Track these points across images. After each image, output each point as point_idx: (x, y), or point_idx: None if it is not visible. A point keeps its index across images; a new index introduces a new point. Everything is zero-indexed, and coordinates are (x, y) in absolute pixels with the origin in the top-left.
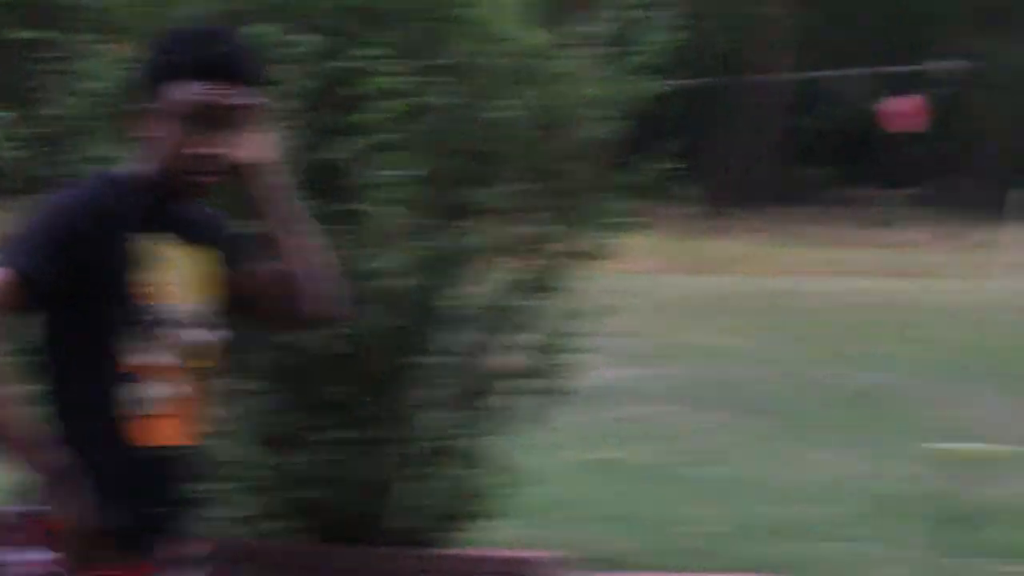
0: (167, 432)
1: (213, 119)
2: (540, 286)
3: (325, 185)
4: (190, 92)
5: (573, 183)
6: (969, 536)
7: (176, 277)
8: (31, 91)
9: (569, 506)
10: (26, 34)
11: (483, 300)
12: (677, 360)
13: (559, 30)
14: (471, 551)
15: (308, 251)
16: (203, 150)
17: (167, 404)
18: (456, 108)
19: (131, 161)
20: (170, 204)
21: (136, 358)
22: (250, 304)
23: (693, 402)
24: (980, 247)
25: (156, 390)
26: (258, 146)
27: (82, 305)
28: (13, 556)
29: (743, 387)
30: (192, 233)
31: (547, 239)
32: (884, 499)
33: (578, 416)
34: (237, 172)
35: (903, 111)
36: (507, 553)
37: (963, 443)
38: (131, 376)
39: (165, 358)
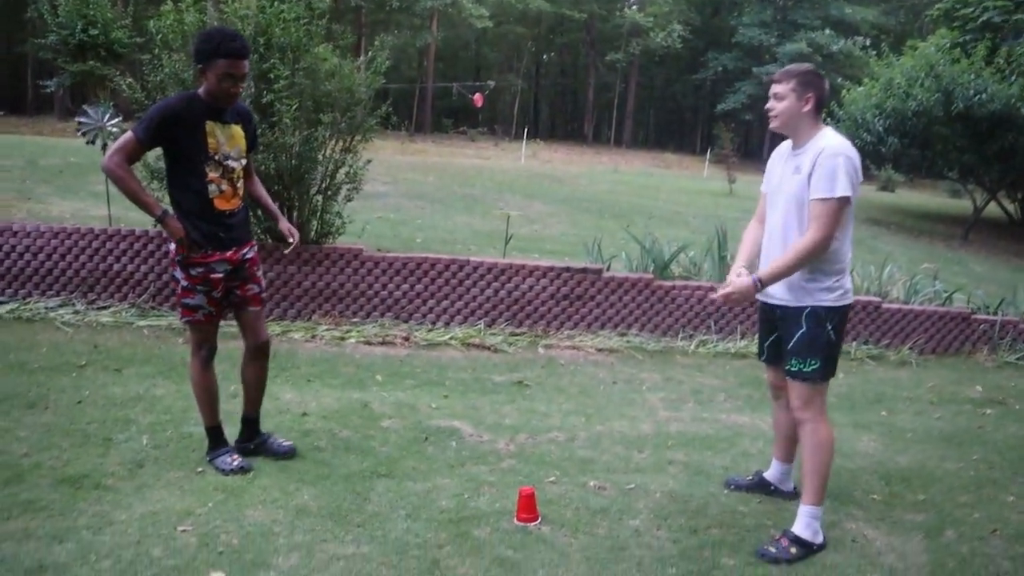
0: (228, 203)
1: (232, 75)
2: (345, 150)
3: (262, 110)
4: (221, 65)
5: (355, 115)
6: None
7: (224, 137)
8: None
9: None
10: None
11: (324, 154)
12: (400, 184)
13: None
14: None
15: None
16: (232, 90)
17: (226, 191)
18: (307, 84)
19: (198, 89)
20: (218, 107)
21: (210, 172)
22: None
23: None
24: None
25: (220, 185)
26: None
27: (183, 149)
28: (170, 247)
29: (423, 189)
30: (231, 118)
31: (346, 134)
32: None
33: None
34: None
35: None
36: (344, 246)
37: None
38: (208, 181)
39: (223, 172)
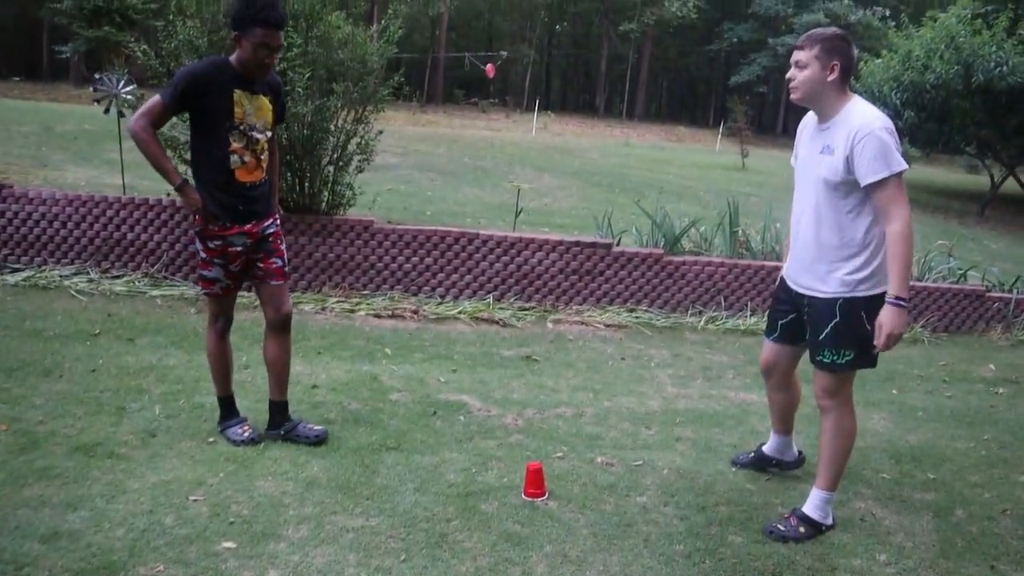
0: (250, 175)
1: (268, 45)
2: (357, 120)
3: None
4: (258, 34)
5: (367, 85)
6: None
7: (251, 108)
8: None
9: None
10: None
11: (336, 124)
12: (411, 156)
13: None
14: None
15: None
16: (266, 60)
17: (248, 163)
18: (320, 53)
19: (232, 56)
20: (249, 77)
21: (234, 143)
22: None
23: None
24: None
25: (243, 157)
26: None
27: (208, 116)
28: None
29: (434, 161)
30: (262, 89)
31: (357, 104)
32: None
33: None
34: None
35: None
36: (355, 217)
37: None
38: (231, 151)
39: (247, 143)
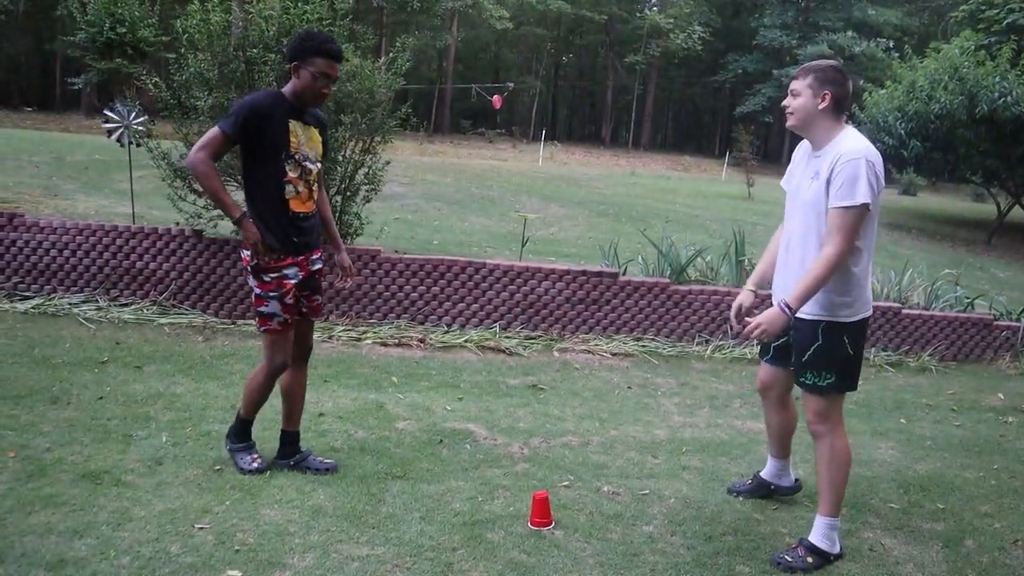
0: (303, 205)
1: (327, 75)
2: (364, 151)
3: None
4: (319, 64)
5: (375, 116)
6: None
7: (304, 138)
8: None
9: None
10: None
11: (344, 154)
12: (418, 185)
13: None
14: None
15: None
16: (323, 90)
17: (302, 192)
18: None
19: (285, 88)
20: (303, 108)
21: (289, 172)
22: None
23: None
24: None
25: (297, 187)
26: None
27: (265, 145)
28: (243, 252)
29: (441, 191)
30: (312, 121)
31: (365, 135)
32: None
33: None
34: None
35: None
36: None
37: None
38: (286, 180)
39: (301, 172)
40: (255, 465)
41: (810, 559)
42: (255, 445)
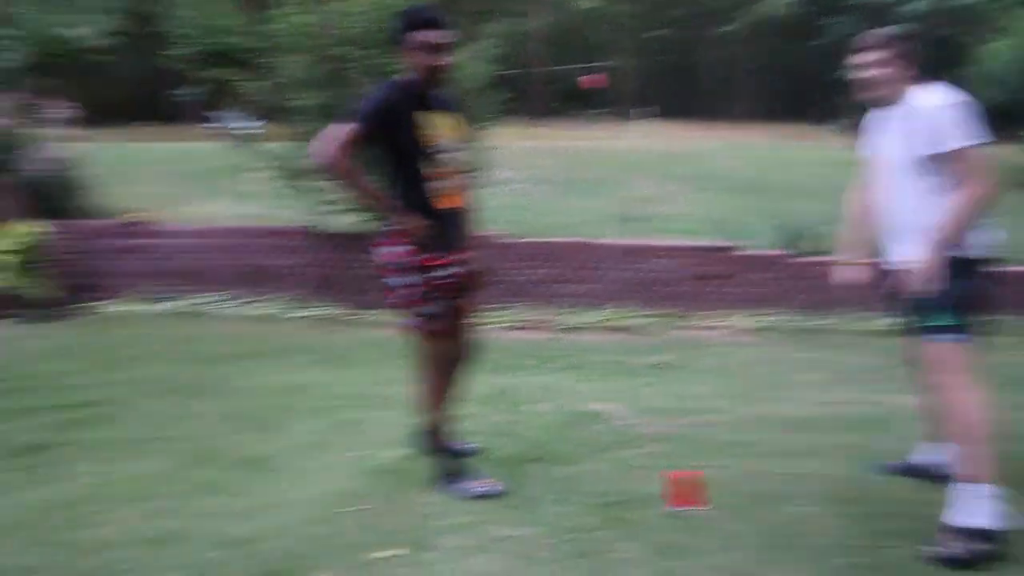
0: (451, 200)
1: (431, 45)
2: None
3: None
4: (418, 37)
5: (473, 102)
6: None
7: (441, 127)
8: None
9: None
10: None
11: None
12: (524, 169)
13: None
14: None
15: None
16: (435, 63)
17: (448, 187)
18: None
19: (403, 74)
20: (428, 92)
21: (430, 166)
22: None
23: None
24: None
25: (442, 181)
26: None
27: (399, 141)
28: (387, 249)
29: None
30: (444, 106)
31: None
32: None
33: None
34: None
35: None
36: None
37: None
38: (430, 174)
39: (444, 166)
40: (483, 489)
41: (964, 544)
42: (467, 470)
